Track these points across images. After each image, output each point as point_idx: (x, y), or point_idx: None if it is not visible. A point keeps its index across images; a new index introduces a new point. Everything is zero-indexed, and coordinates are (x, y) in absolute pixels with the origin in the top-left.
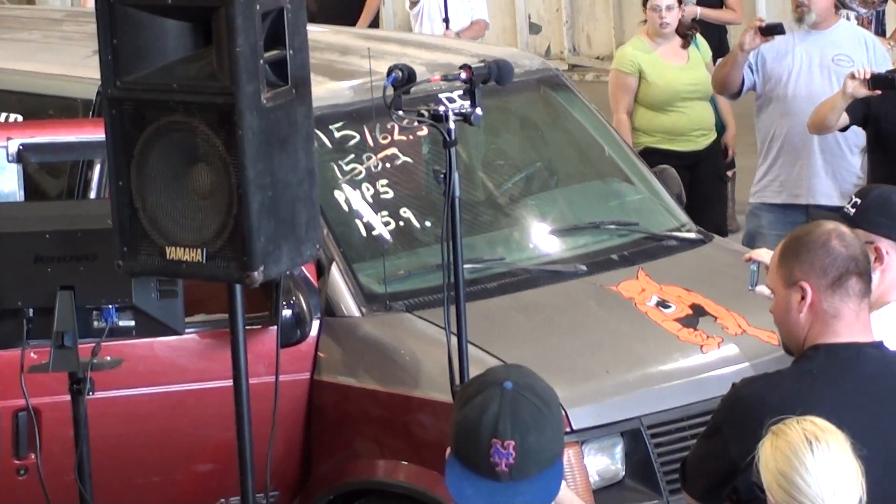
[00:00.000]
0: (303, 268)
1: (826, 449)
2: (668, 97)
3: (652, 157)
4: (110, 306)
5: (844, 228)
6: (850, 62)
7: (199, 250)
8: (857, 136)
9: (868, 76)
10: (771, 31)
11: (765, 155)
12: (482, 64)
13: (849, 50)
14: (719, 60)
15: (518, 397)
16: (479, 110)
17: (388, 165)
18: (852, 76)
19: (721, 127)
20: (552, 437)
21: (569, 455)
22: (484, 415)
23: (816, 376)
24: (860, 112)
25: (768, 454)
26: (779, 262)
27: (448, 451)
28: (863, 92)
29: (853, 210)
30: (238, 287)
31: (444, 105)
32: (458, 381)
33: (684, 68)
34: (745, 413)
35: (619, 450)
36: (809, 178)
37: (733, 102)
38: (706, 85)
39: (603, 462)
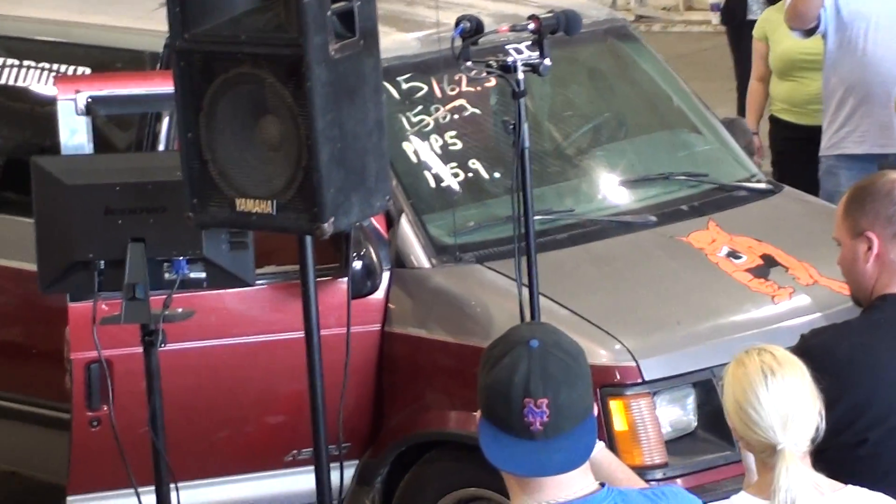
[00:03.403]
0: (372, 219)
1: (780, 382)
2: (784, 65)
3: (773, 126)
4: (181, 258)
5: None
6: None
7: (269, 202)
8: None
9: None
10: None
11: (838, 106)
12: (550, 14)
13: None
14: None
15: (546, 354)
16: (547, 61)
17: (456, 117)
18: None
19: None
20: (583, 391)
21: (640, 406)
22: (514, 375)
23: (884, 326)
24: None
25: (729, 382)
26: (844, 212)
27: (478, 414)
28: None
29: None
30: (308, 238)
31: (513, 56)
32: None
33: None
34: (813, 364)
35: (690, 401)
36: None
37: None
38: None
39: (675, 413)
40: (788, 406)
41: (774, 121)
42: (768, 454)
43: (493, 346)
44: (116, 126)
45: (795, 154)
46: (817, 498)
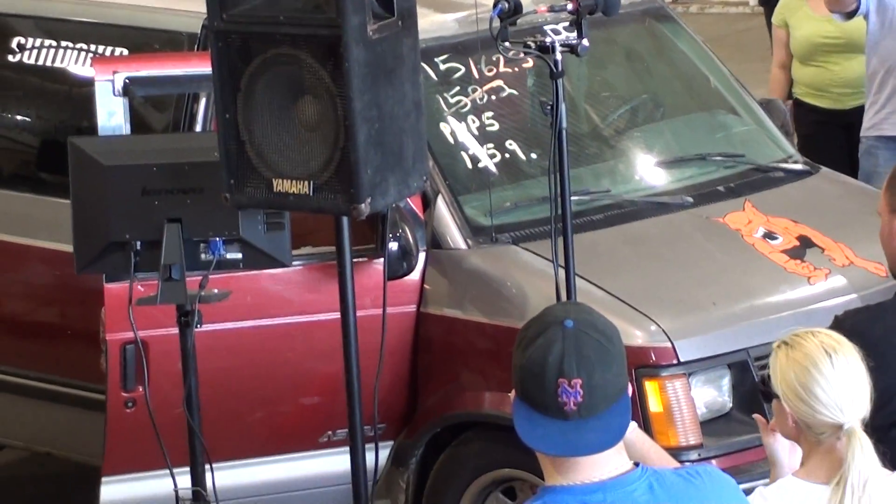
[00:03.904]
0: (409, 200)
1: (844, 360)
2: (807, 50)
3: (797, 109)
4: (217, 239)
5: None
6: None
7: (307, 182)
8: None
9: None
10: None
11: (879, 87)
12: None
13: None
14: None
15: (580, 335)
16: (585, 41)
17: (493, 97)
18: None
19: None
20: (617, 372)
21: (675, 387)
22: (548, 355)
23: None
24: None
25: (784, 365)
26: (886, 187)
27: (512, 394)
28: None
29: None
30: (345, 219)
31: (551, 36)
32: None
33: (829, 20)
34: None
35: (726, 382)
36: None
37: None
38: (852, 37)
39: (710, 394)
40: (852, 383)
41: (798, 104)
42: (828, 434)
43: (527, 326)
44: (153, 107)
45: (821, 136)
46: (884, 479)
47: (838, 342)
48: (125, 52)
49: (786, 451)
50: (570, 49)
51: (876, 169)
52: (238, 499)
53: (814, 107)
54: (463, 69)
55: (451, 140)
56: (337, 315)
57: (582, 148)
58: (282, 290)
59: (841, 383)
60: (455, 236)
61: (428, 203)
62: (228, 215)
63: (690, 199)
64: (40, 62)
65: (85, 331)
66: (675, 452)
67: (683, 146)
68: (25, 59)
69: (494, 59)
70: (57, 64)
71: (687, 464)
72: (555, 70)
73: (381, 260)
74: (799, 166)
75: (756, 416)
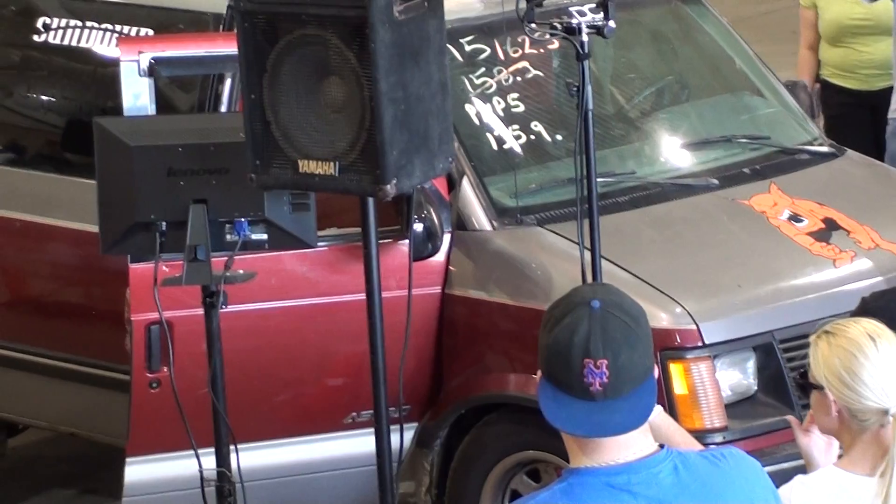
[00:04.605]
0: (434, 182)
1: (887, 345)
2: (835, 31)
3: (824, 90)
4: (243, 219)
5: None
6: None
7: (332, 163)
8: None
9: None
10: None
11: None
12: None
13: None
14: None
15: (607, 315)
16: (612, 23)
17: (518, 79)
18: None
19: None
20: (643, 353)
21: (700, 369)
22: (574, 335)
23: None
24: None
25: (827, 353)
26: None
27: (538, 374)
28: None
29: None
30: (370, 200)
31: (577, 18)
32: None
33: (857, 1)
34: None
35: (751, 364)
36: None
37: None
38: (880, 19)
39: (735, 377)
40: None
41: (825, 85)
42: (873, 421)
43: (554, 307)
44: (179, 87)
45: (848, 118)
46: None
47: (880, 328)
48: (150, 32)
49: (821, 451)
50: (597, 31)
51: None
52: (263, 480)
53: (841, 88)
54: (489, 50)
55: (476, 121)
56: (362, 296)
57: (607, 130)
58: (307, 272)
59: (886, 367)
60: (480, 218)
61: (453, 184)
62: (254, 196)
63: (716, 182)
64: (65, 42)
65: (109, 311)
66: (700, 435)
67: (709, 128)
68: (51, 40)
69: (520, 40)
70: (82, 44)
71: (712, 446)
72: (581, 52)
73: (407, 241)
74: (825, 148)
75: (789, 417)
